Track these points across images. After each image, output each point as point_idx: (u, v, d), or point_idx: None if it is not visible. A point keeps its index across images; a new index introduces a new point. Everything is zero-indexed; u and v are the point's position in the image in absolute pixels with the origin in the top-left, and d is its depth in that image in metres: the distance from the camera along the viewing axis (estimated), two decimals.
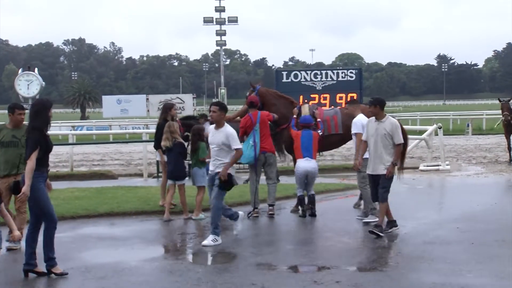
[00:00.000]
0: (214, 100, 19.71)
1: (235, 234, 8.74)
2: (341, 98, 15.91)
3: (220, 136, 8.09)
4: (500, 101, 17.72)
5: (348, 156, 19.11)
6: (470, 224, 9.05)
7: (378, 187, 8.40)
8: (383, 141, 8.32)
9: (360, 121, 9.55)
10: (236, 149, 8.07)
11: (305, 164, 9.88)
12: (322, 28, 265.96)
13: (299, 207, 10.04)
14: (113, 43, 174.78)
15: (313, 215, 9.80)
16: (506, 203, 10.91)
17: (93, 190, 12.62)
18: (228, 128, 8.13)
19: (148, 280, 6.52)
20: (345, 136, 10.99)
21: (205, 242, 7.90)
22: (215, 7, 52.67)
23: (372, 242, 8.13)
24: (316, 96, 16.07)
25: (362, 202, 10.01)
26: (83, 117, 74.22)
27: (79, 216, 10.07)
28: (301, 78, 16.40)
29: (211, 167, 8.29)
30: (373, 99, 8.62)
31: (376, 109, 8.44)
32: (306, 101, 14.22)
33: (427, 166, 16.25)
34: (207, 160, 9.17)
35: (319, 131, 10.28)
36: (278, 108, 10.88)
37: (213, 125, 8.34)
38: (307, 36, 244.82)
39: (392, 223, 8.49)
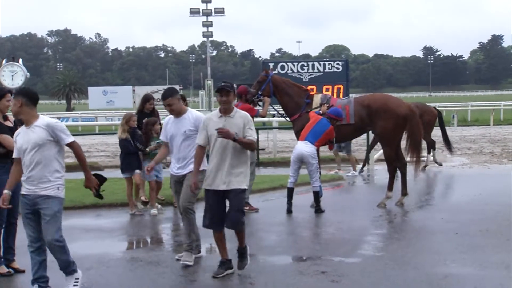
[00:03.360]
0: (200, 92, 19.53)
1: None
2: (327, 89, 15.94)
3: (38, 133, 5.47)
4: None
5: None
6: (454, 215, 9.13)
7: (229, 209, 6.14)
8: (235, 144, 6.08)
9: None
10: (70, 143, 5.59)
11: (302, 146, 9.36)
12: (294, 21, 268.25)
13: (290, 201, 9.56)
14: (98, 34, 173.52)
15: (317, 211, 9.38)
16: (490, 194, 11.01)
17: (79, 182, 12.43)
18: (48, 120, 5.61)
19: (134, 271, 6.52)
20: (358, 126, 10.20)
21: None
22: None
23: (356, 233, 8.18)
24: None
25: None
26: (69, 108, 73.75)
27: (65, 207, 9.94)
28: (288, 70, 16.41)
29: (28, 186, 5.54)
30: (225, 84, 6.35)
31: (231, 98, 6.26)
32: (327, 94, 13.25)
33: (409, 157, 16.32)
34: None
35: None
36: (292, 97, 10.47)
37: (21, 128, 5.68)
38: (280, 29, 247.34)
39: (227, 264, 6.29)
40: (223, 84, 6.30)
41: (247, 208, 9.70)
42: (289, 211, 9.46)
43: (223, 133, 5.90)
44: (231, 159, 6.08)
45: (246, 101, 9.94)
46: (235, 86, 9.89)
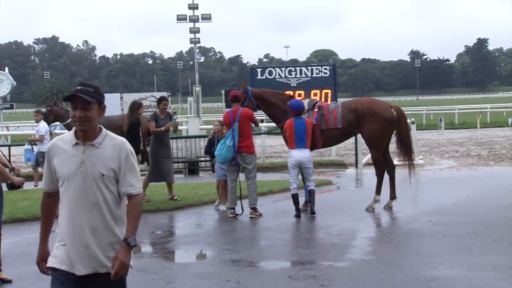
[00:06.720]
0: (189, 98, 19.53)
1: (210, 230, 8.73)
2: (315, 94, 15.99)
3: None
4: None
5: (323, 152, 19.21)
6: (442, 217, 9.18)
7: None
8: (102, 193, 3.45)
9: None
10: None
11: (297, 153, 9.47)
12: (269, 27, 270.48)
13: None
14: (86, 42, 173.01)
15: (312, 213, 9.44)
16: (477, 196, 11.10)
17: None
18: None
19: None
20: (346, 130, 10.26)
21: None
22: (188, 4, 52.37)
23: (345, 237, 8.21)
24: (291, 92, 16.11)
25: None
26: None
27: None
28: (275, 75, 16.44)
29: None
30: (81, 87, 3.47)
31: (92, 114, 3.46)
32: (315, 99, 13.21)
33: (400, 160, 16.40)
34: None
35: (313, 119, 9.82)
36: (277, 106, 10.48)
37: None
38: (256, 35, 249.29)
39: None
40: (78, 88, 3.48)
41: (258, 213, 9.64)
42: (298, 216, 9.43)
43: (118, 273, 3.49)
44: (99, 217, 3.44)
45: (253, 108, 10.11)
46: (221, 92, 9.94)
